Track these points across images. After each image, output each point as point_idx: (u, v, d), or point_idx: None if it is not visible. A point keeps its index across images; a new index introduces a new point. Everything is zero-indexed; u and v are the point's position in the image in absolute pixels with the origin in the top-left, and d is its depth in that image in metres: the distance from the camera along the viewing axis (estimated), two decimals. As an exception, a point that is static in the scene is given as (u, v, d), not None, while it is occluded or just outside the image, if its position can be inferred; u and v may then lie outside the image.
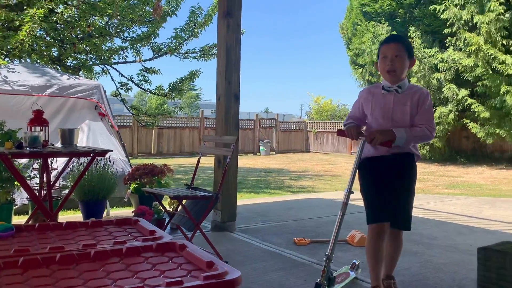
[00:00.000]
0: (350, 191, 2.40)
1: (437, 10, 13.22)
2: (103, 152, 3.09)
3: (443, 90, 13.40)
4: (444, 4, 13.09)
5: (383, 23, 14.70)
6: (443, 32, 13.32)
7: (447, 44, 13.33)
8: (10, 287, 1.41)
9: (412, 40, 13.84)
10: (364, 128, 2.67)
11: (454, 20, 12.90)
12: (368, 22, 15.34)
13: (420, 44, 13.81)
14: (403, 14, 14.72)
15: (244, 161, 14.67)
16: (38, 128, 3.09)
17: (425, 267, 3.20)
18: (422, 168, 12.76)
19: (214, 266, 1.58)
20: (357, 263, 2.95)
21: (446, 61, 13.33)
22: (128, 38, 9.44)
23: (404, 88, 2.49)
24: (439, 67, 13.57)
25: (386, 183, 2.50)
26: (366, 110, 2.60)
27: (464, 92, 13.04)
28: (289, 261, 3.28)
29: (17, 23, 7.01)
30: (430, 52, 13.80)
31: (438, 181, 9.78)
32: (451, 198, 6.95)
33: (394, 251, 2.58)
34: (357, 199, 2.74)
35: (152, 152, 17.01)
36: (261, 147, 19.38)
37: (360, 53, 15.80)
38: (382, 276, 2.62)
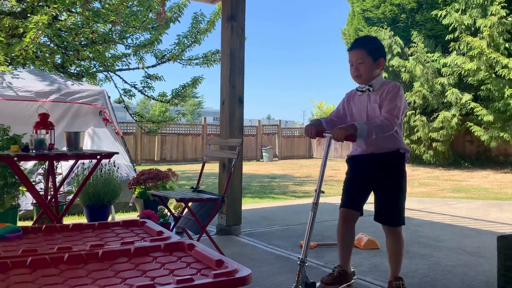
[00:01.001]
0: (320, 191, 2.38)
1: (439, 15, 13.24)
2: (109, 155, 3.08)
3: (446, 94, 13.38)
4: (445, 10, 13.11)
5: (386, 28, 14.72)
6: (446, 38, 13.32)
7: (450, 49, 13.32)
8: (19, 286, 1.39)
9: (415, 45, 13.85)
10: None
11: (456, 25, 12.91)
12: (371, 28, 15.37)
13: (423, 49, 13.82)
14: (405, 19, 14.74)
15: (247, 167, 14.66)
16: (44, 131, 3.09)
17: (433, 269, 3.17)
18: (426, 173, 12.72)
19: (224, 265, 1.56)
20: (352, 269, 2.82)
21: (449, 65, 13.32)
22: (131, 45, 9.47)
23: (377, 86, 2.55)
24: (442, 72, 13.56)
25: (364, 178, 2.61)
26: (348, 112, 2.70)
27: (467, 96, 13.01)
28: (296, 264, 3.23)
29: (21, 30, 7.05)
30: (433, 56, 13.80)
31: (443, 185, 9.74)
32: (457, 201, 6.90)
33: (391, 248, 2.59)
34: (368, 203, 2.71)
35: (155, 159, 17.02)
36: (263, 153, 19.37)
37: (363, 59, 15.82)
38: (390, 278, 2.62)
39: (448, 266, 3.23)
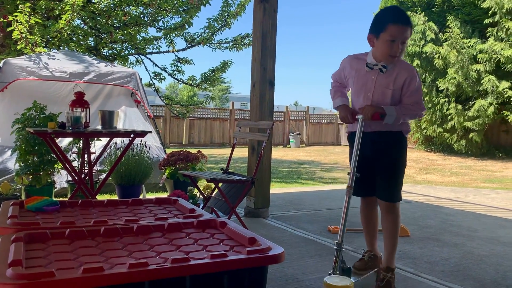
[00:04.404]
0: (354, 174, 2.30)
1: (478, -2, 12.73)
2: (142, 133, 3.12)
3: (482, 82, 12.92)
4: (485, -8, 12.58)
5: (420, 13, 14.26)
6: (484, 22, 12.81)
7: (488, 34, 12.81)
8: (59, 255, 1.44)
9: (450, 30, 13.38)
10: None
11: (496, 9, 12.38)
12: (404, 12, 14.91)
13: (459, 34, 13.33)
14: (441, 3, 14.24)
15: (274, 153, 14.62)
16: (79, 109, 3.15)
17: (466, 258, 3.09)
18: (458, 162, 12.39)
19: (256, 242, 1.57)
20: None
21: (486, 51, 12.82)
22: (162, 28, 9.52)
23: (389, 67, 2.34)
24: (478, 58, 13.07)
25: (367, 160, 2.47)
26: (349, 84, 2.54)
27: (505, 84, 12.52)
28: (325, 248, 3.24)
29: (57, 12, 7.18)
30: (469, 42, 13.31)
31: (476, 175, 9.47)
32: (491, 192, 6.71)
33: (389, 227, 2.45)
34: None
35: (183, 142, 17.24)
36: (291, 140, 19.30)
37: (395, 44, 15.40)
38: (382, 264, 2.51)
39: (482, 256, 3.15)
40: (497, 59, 12.63)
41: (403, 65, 2.37)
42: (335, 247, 2.19)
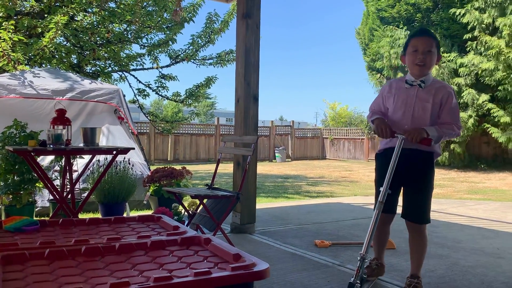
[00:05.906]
0: (386, 190, 2.36)
1: (457, 13, 13.06)
2: (125, 150, 3.09)
3: (462, 95, 13.19)
4: (465, 8, 12.93)
5: (401, 27, 14.58)
6: (464, 37, 13.14)
7: (468, 49, 13.13)
8: (37, 276, 1.40)
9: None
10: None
11: (475, 24, 12.72)
12: (386, 27, 15.24)
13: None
14: (421, 19, 14.58)
15: (260, 168, 14.62)
16: (61, 127, 3.11)
17: (451, 269, 3.11)
18: (441, 174, 12.54)
19: (241, 258, 1.55)
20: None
21: (466, 65, 13.13)
22: (146, 45, 9.52)
23: (428, 83, 2.49)
24: (459, 72, 13.37)
25: (396, 177, 2.48)
26: (388, 103, 2.61)
27: (484, 97, 12.81)
28: (311, 263, 3.22)
29: (39, 30, 7.13)
30: (449, 56, 13.62)
31: (459, 187, 9.59)
32: (474, 203, 6.79)
33: (416, 246, 2.58)
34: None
35: (168, 159, 17.12)
36: (276, 154, 19.33)
37: (378, 58, 15.69)
38: (409, 274, 2.62)
39: (467, 267, 3.16)
40: (476, 72, 12.94)
41: (441, 83, 2.53)
42: (359, 258, 2.29)
